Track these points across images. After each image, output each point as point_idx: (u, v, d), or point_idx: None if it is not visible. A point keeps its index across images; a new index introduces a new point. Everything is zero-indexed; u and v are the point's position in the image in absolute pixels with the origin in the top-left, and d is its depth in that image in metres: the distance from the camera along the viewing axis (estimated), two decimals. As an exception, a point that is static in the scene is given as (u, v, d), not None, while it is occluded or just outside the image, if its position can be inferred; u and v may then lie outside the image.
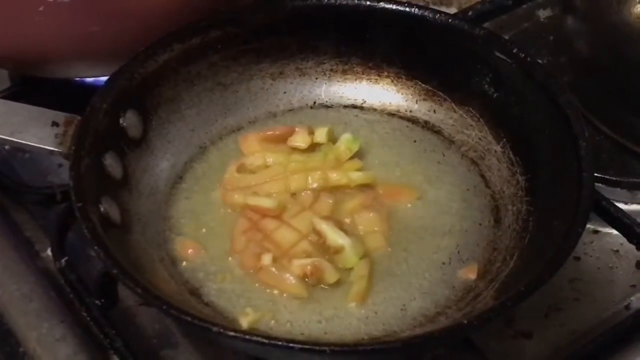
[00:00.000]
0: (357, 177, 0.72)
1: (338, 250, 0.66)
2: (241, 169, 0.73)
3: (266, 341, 0.55)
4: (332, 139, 0.75)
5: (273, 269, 0.65)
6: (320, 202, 0.70)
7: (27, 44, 0.75)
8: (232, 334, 0.56)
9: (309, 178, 0.71)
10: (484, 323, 0.59)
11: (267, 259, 0.66)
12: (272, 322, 0.64)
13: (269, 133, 0.76)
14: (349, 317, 0.64)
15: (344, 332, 0.63)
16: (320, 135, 0.75)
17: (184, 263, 0.67)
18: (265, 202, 0.69)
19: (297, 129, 0.75)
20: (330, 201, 0.70)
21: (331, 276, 0.65)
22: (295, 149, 0.75)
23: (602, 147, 0.81)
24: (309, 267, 0.65)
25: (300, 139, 0.75)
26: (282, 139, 0.75)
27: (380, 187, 0.72)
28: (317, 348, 0.57)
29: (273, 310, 0.64)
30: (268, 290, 0.65)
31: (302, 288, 0.65)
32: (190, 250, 0.68)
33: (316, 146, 0.75)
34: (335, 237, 0.66)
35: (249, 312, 0.63)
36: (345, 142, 0.75)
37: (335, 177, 0.72)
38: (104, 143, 0.68)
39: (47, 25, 0.73)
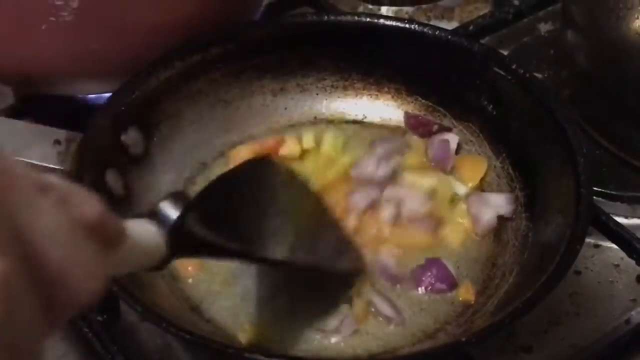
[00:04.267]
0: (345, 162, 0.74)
1: None
2: None
3: (265, 358, 0.56)
4: (319, 143, 0.77)
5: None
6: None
7: (30, 61, 0.76)
8: (231, 351, 0.56)
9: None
10: (482, 340, 0.59)
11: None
12: (273, 338, 0.64)
13: (260, 145, 0.76)
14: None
15: (343, 349, 0.63)
16: (308, 141, 0.76)
17: (185, 280, 0.68)
18: None
19: (286, 139, 0.76)
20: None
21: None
22: (286, 159, 0.75)
23: (602, 161, 0.81)
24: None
25: (291, 148, 0.76)
26: (274, 151, 0.75)
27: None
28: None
29: (273, 326, 0.65)
30: (269, 307, 0.66)
31: None
32: (190, 268, 0.68)
33: (305, 153, 0.76)
34: None
35: (248, 328, 0.64)
36: (329, 141, 0.76)
37: (331, 172, 0.73)
38: (105, 160, 0.69)
39: (50, 43, 0.74)
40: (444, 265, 0.68)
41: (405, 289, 0.67)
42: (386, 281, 0.67)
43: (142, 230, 0.48)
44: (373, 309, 0.65)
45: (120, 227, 0.42)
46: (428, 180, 0.73)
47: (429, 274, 0.67)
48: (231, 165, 0.74)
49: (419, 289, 0.67)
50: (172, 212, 0.49)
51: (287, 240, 0.63)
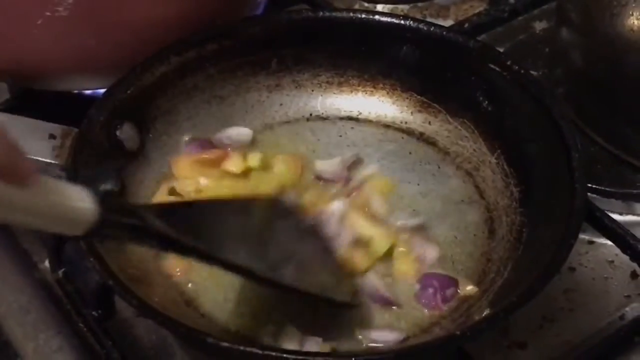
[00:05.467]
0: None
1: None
2: (172, 192, 0.72)
3: (260, 352, 0.56)
4: (266, 165, 0.74)
5: None
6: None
7: (26, 56, 0.76)
8: (226, 345, 0.56)
9: None
10: (477, 334, 0.59)
11: None
12: (267, 331, 0.64)
13: (202, 157, 0.74)
14: (343, 327, 0.64)
15: (338, 343, 0.63)
16: (253, 160, 0.74)
17: (180, 275, 0.68)
18: None
19: (231, 153, 0.74)
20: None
21: (363, 262, 0.67)
22: (228, 174, 0.73)
23: (596, 158, 0.82)
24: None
25: (233, 164, 0.73)
26: (215, 163, 0.74)
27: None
28: (311, 358, 0.57)
29: (269, 320, 0.65)
30: (265, 302, 0.66)
31: None
32: (178, 270, 0.68)
33: (249, 172, 0.74)
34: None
35: (242, 322, 0.64)
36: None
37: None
38: (100, 155, 0.69)
39: (46, 39, 0.74)
40: (436, 273, 0.68)
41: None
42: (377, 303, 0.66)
43: (71, 192, 0.50)
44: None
45: (28, 167, 0.44)
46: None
47: (432, 289, 0.66)
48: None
49: (431, 305, 0.66)
50: (110, 184, 0.50)
51: (266, 258, 0.62)
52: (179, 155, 0.75)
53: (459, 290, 0.67)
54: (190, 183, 0.73)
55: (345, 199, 0.71)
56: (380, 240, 0.68)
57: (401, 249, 0.69)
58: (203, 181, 0.73)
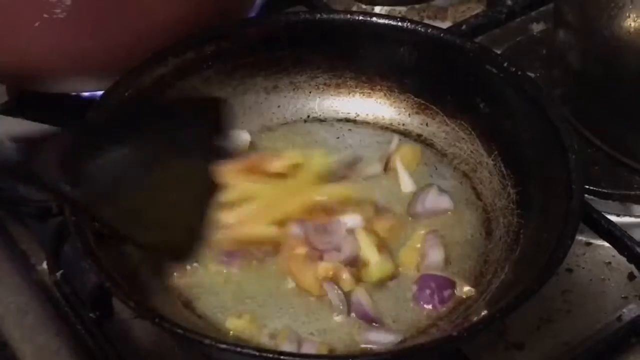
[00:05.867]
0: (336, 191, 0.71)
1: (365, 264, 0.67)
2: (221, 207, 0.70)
3: (257, 353, 0.56)
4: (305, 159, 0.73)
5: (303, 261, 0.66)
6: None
7: (24, 59, 0.76)
8: (223, 346, 0.56)
9: (296, 202, 0.70)
10: (474, 335, 0.59)
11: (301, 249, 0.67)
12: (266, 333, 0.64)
13: (244, 162, 0.72)
14: (340, 329, 0.65)
15: (335, 344, 0.63)
16: (295, 157, 0.73)
17: (177, 276, 0.68)
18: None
19: (270, 155, 0.74)
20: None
21: (346, 285, 0.66)
22: (272, 175, 0.72)
23: (594, 160, 0.82)
24: (331, 272, 0.66)
25: (277, 164, 0.72)
26: (258, 167, 0.72)
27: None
28: (307, 360, 0.57)
29: (266, 322, 0.65)
30: (261, 303, 0.66)
31: (316, 287, 0.66)
32: (175, 272, 0.68)
33: (292, 168, 0.73)
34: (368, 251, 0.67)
35: (239, 324, 0.64)
36: (318, 159, 0.73)
37: (319, 196, 0.71)
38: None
39: (43, 41, 0.74)
40: (433, 274, 0.68)
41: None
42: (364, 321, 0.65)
43: None
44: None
45: None
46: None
47: (429, 290, 0.66)
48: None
49: (428, 306, 0.66)
50: None
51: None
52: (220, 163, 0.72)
53: (455, 292, 0.67)
54: (239, 190, 0.71)
55: (362, 217, 0.69)
56: (377, 267, 0.67)
57: (413, 242, 0.69)
58: (249, 186, 0.71)
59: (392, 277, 0.68)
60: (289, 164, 0.72)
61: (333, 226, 0.68)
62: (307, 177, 0.72)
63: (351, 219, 0.69)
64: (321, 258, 0.67)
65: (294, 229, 0.68)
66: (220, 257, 0.68)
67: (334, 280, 0.66)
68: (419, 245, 0.69)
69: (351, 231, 0.68)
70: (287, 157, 0.73)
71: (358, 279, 0.67)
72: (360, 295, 0.66)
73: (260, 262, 0.68)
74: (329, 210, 0.70)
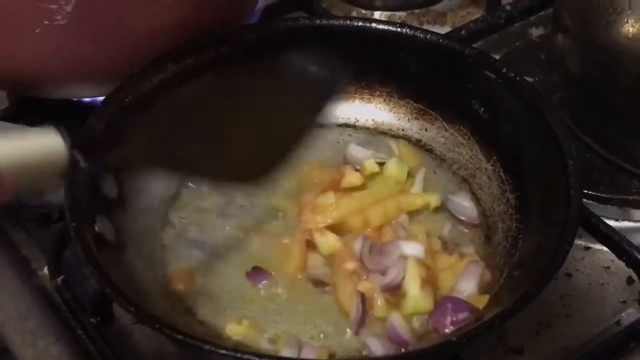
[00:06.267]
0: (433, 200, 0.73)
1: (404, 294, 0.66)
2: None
3: (258, 359, 0.56)
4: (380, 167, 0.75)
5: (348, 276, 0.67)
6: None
7: (24, 65, 0.76)
8: (223, 352, 0.56)
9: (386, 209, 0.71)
10: (473, 339, 0.60)
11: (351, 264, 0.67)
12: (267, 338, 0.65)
13: (326, 181, 0.74)
14: (339, 335, 0.65)
15: (335, 350, 0.64)
16: (372, 166, 0.75)
17: (178, 283, 0.68)
18: None
19: (344, 170, 0.74)
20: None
21: (378, 311, 0.65)
22: (347, 189, 0.73)
23: (592, 164, 0.82)
24: (367, 293, 0.66)
25: (353, 178, 0.73)
26: (336, 184, 0.73)
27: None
28: (307, 365, 0.57)
29: (266, 327, 0.65)
30: (263, 309, 0.66)
31: (349, 304, 0.65)
32: (177, 277, 0.68)
33: (367, 179, 0.74)
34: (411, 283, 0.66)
35: (240, 330, 0.64)
36: (394, 168, 0.75)
37: (407, 203, 0.73)
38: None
39: (44, 47, 0.74)
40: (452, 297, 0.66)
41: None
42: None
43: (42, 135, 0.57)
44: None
45: None
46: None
47: (447, 314, 0.64)
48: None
49: (443, 330, 0.64)
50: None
51: None
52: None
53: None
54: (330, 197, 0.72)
55: (424, 248, 0.68)
56: (413, 302, 0.65)
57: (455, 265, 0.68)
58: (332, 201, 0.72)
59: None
60: (364, 176, 0.74)
61: (389, 248, 0.68)
62: (386, 186, 0.74)
63: (412, 247, 0.68)
64: (366, 277, 0.67)
65: (353, 244, 0.68)
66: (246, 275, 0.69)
67: (368, 301, 0.65)
68: (457, 274, 0.68)
69: (404, 258, 0.67)
70: (364, 168, 0.74)
71: (394, 306, 0.66)
72: (395, 321, 0.65)
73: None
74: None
